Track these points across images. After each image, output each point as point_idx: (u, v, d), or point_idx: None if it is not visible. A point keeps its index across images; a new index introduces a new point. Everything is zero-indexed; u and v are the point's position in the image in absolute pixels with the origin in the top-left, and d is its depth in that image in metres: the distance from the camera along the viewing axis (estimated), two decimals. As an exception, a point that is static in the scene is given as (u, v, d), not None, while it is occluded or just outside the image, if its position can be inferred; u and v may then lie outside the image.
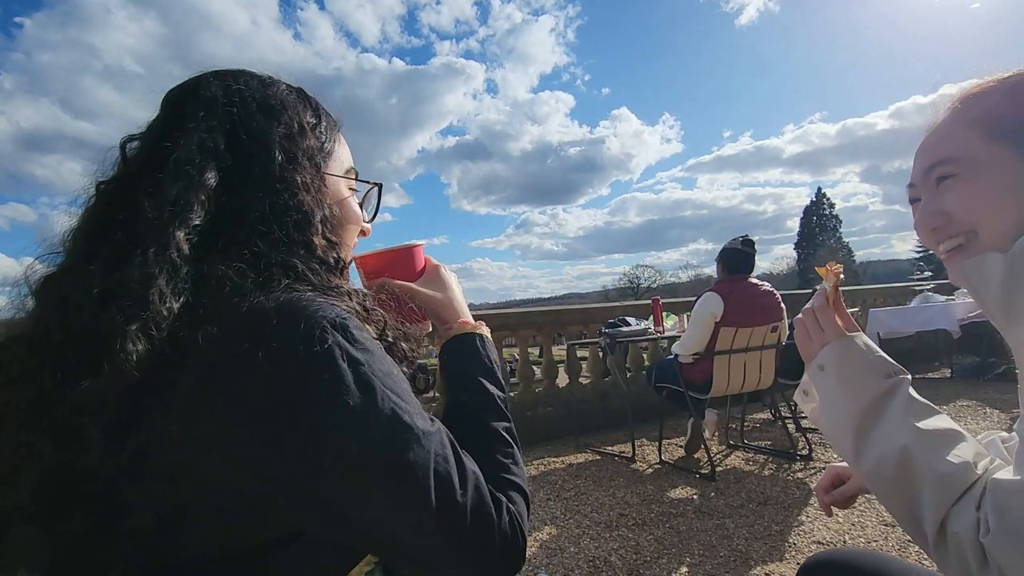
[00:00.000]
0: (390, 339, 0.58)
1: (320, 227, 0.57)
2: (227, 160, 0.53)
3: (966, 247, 0.67)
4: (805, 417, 3.06)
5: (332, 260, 0.57)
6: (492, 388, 0.65)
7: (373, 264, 0.73)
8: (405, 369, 0.58)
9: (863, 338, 0.74)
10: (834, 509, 0.89)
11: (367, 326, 0.52)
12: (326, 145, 0.62)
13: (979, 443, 0.64)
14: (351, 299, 0.54)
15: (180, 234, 0.47)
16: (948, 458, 0.60)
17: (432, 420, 0.51)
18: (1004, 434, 0.79)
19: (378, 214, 0.72)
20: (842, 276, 0.81)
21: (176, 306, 0.45)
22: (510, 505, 0.54)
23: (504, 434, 0.62)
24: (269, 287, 0.48)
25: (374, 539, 0.48)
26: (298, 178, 0.55)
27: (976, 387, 4.95)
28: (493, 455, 0.59)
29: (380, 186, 0.70)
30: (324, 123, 0.63)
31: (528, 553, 2.30)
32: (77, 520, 0.43)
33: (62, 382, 0.43)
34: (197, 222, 0.49)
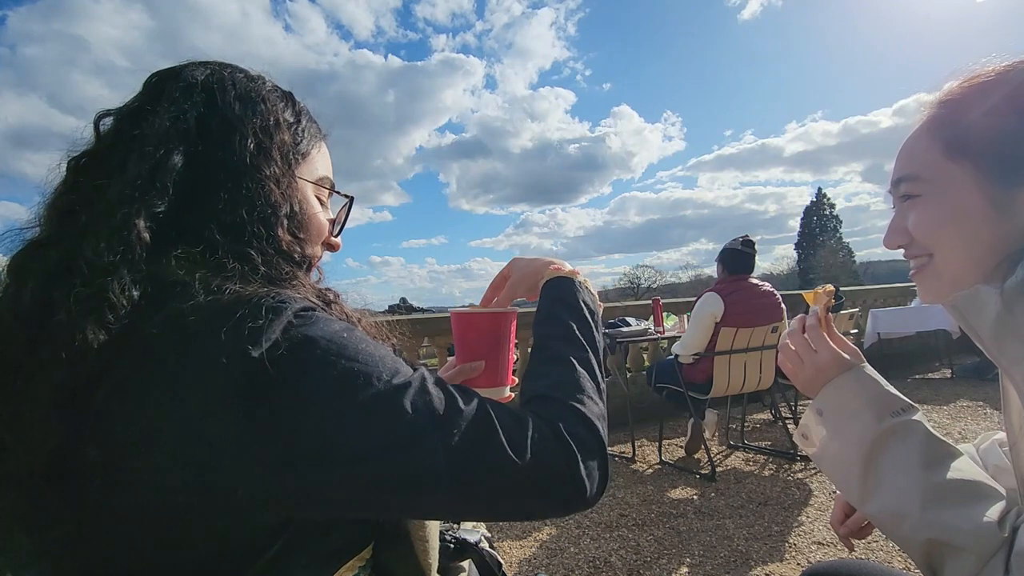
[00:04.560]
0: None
1: (286, 221, 0.56)
2: (197, 144, 0.52)
3: (926, 268, 0.65)
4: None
5: (296, 256, 0.56)
6: (570, 320, 0.63)
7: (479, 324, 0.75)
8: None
9: (866, 369, 0.68)
10: (853, 541, 0.84)
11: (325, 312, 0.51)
12: (301, 145, 0.61)
13: (999, 486, 0.59)
14: (305, 288, 0.53)
15: (140, 222, 0.47)
16: (973, 517, 0.55)
17: (414, 368, 0.49)
18: (1002, 435, 0.78)
19: (346, 225, 0.71)
20: (833, 301, 0.77)
21: (136, 295, 0.44)
22: (550, 423, 0.49)
23: (572, 360, 0.58)
24: (220, 281, 0.47)
25: (373, 509, 0.46)
26: (266, 170, 0.55)
27: (976, 387, 4.97)
28: (549, 379, 0.56)
29: (351, 200, 0.69)
30: (304, 125, 0.62)
31: (528, 554, 2.32)
32: (58, 520, 0.42)
33: (16, 370, 0.42)
34: (160, 208, 0.49)
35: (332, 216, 0.67)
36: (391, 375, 0.46)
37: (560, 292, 0.68)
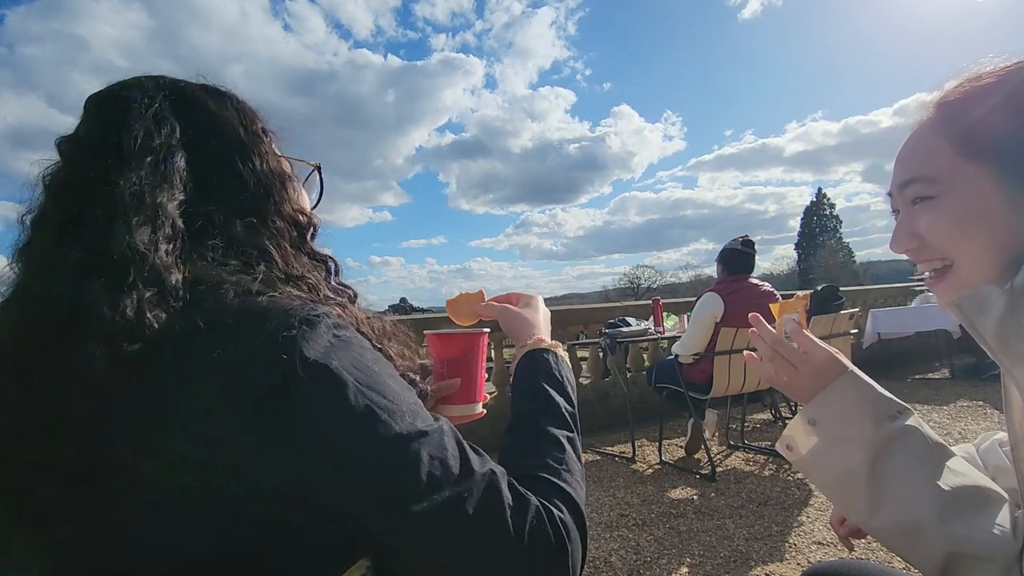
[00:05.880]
0: (371, 341, 0.57)
1: (288, 189, 0.58)
2: (189, 137, 0.53)
3: (944, 273, 0.62)
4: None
5: (303, 220, 0.58)
6: (556, 396, 0.64)
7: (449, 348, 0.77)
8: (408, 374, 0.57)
9: (855, 374, 0.67)
10: (853, 541, 0.82)
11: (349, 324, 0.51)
12: (268, 130, 0.62)
13: (997, 486, 0.58)
14: (322, 286, 0.55)
15: (171, 207, 0.48)
16: (992, 526, 0.53)
17: (436, 418, 0.49)
18: (1002, 435, 0.78)
19: (322, 199, 0.69)
20: (809, 304, 0.78)
21: (179, 278, 0.45)
22: (546, 507, 0.49)
23: (562, 440, 0.59)
24: (251, 282, 0.47)
25: (364, 538, 0.46)
26: (261, 146, 0.57)
27: (976, 387, 4.97)
28: (540, 458, 0.56)
29: (319, 167, 0.68)
30: (261, 115, 0.63)
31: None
32: (64, 520, 0.42)
33: (45, 369, 0.42)
34: (181, 197, 0.49)
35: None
36: (413, 418, 0.46)
37: (547, 367, 0.68)
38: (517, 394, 0.66)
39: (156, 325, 0.42)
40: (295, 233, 0.57)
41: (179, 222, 0.48)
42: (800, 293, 0.77)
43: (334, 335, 0.46)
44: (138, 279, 0.43)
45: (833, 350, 0.70)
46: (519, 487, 0.49)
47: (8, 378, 0.44)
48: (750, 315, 0.78)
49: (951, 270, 0.61)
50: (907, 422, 0.62)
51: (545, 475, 0.53)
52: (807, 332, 0.72)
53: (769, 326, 0.75)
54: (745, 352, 0.80)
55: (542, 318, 0.78)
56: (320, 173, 0.68)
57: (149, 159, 0.49)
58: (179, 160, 0.51)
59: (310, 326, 0.44)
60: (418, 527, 0.43)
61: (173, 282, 0.44)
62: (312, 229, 0.60)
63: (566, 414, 0.62)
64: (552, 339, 0.75)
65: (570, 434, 0.60)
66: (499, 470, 0.49)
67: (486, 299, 0.82)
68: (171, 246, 0.46)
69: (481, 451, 0.50)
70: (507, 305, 0.79)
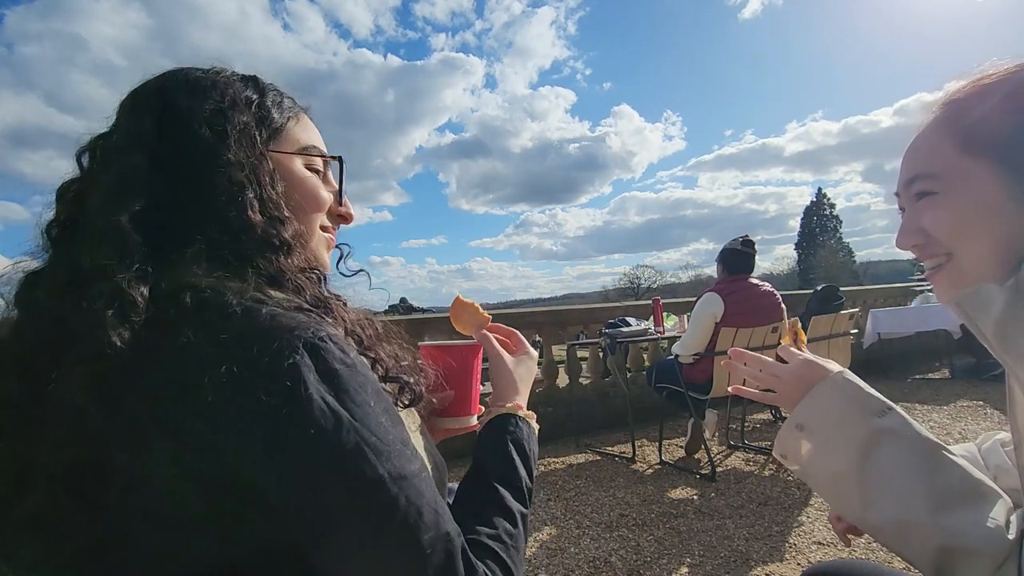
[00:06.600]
0: (363, 344, 0.57)
1: (257, 204, 0.54)
2: (158, 144, 0.53)
3: (945, 267, 0.63)
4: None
5: (275, 241, 0.54)
6: (522, 470, 0.65)
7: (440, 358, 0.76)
8: (387, 386, 0.57)
9: (842, 374, 0.68)
10: (851, 537, 0.82)
11: (349, 340, 0.51)
12: (273, 120, 0.59)
13: (989, 480, 0.59)
14: (306, 290, 0.54)
15: (124, 221, 0.48)
16: (984, 519, 0.54)
17: (419, 458, 0.50)
18: (1004, 435, 0.78)
19: (347, 199, 0.67)
20: (799, 325, 0.88)
21: (146, 291, 0.45)
22: None
23: (517, 516, 0.60)
24: (246, 289, 0.47)
25: (335, 566, 0.47)
26: (229, 155, 0.53)
27: (976, 387, 4.96)
28: (494, 527, 0.57)
29: (340, 160, 0.66)
30: (271, 100, 0.60)
31: (528, 554, 2.31)
32: (68, 524, 0.43)
33: (44, 376, 0.43)
34: (137, 207, 0.49)
35: (336, 187, 0.66)
36: (399, 458, 0.47)
37: (520, 435, 0.69)
38: (484, 450, 0.67)
39: (119, 343, 0.42)
40: (262, 244, 0.54)
41: (137, 236, 0.48)
42: (791, 320, 0.87)
43: (339, 361, 0.46)
44: (103, 297, 0.44)
45: (813, 356, 0.73)
46: (471, 555, 0.51)
47: (13, 379, 0.45)
48: (726, 361, 0.83)
49: (949, 262, 0.62)
50: (894, 419, 0.63)
51: (496, 547, 0.55)
52: (791, 347, 0.77)
53: (751, 353, 0.81)
54: (731, 387, 0.87)
55: (529, 380, 0.78)
56: (341, 165, 0.66)
57: (114, 170, 0.50)
58: (139, 161, 0.51)
59: (313, 353, 0.44)
60: (381, 570, 0.45)
61: (139, 299, 0.44)
62: (285, 249, 0.56)
63: (525, 489, 0.64)
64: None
65: (524, 510, 0.62)
66: (457, 532, 0.50)
67: (490, 323, 0.80)
68: (134, 261, 0.46)
69: (441, 502, 0.51)
70: (503, 354, 0.77)
